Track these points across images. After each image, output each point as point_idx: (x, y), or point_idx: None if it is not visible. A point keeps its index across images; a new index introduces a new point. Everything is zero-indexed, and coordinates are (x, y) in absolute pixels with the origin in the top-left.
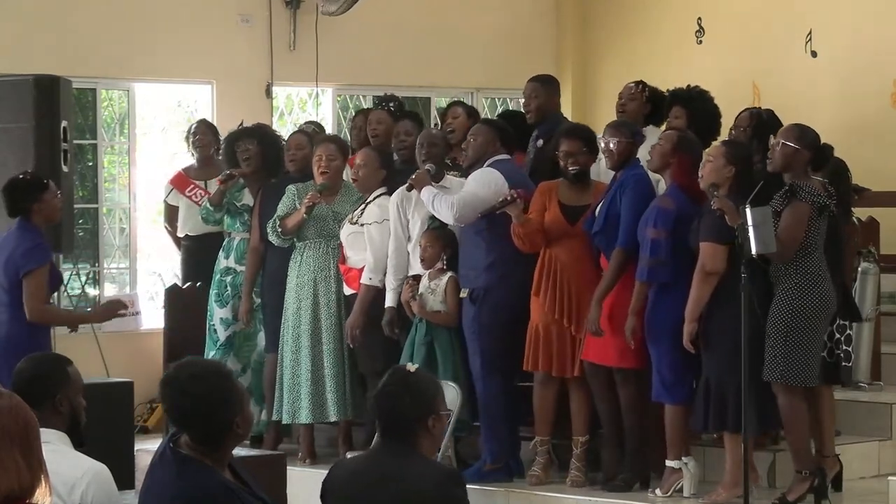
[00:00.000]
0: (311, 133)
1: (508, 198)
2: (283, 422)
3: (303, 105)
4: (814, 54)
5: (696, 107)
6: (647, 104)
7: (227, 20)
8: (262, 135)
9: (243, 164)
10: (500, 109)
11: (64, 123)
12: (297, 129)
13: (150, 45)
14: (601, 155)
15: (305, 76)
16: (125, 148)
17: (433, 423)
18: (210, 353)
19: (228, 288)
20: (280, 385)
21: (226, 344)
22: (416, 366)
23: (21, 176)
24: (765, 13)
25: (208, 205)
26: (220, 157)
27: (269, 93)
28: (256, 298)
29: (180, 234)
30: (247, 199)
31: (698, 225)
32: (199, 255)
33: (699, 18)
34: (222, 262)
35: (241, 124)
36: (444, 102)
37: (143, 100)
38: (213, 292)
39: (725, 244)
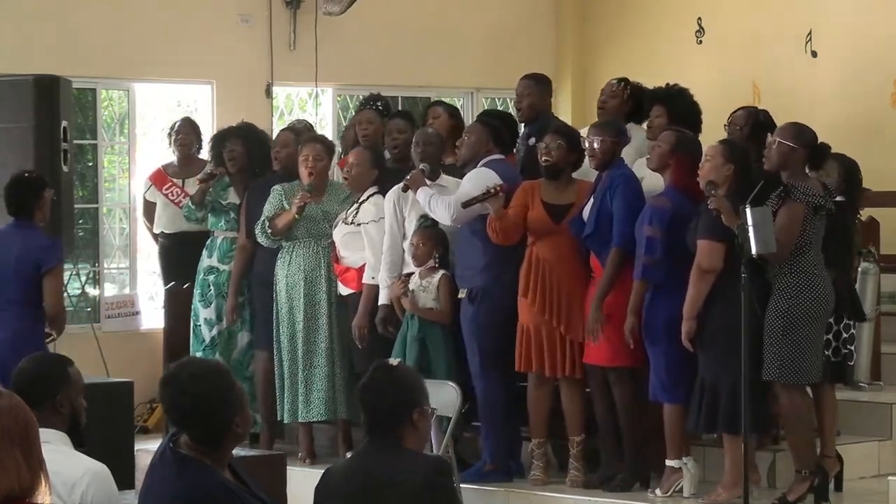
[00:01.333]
0: (300, 130)
1: (492, 190)
2: (286, 421)
3: (303, 105)
4: (814, 54)
5: (675, 104)
6: (628, 101)
7: (227, 20)
8: (247, 134)
9: (228, 164)
10: (499, 109)
11: (64, 123)
12: (285, 126)
13: (150, 45)
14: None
15: (305, 76)
16: (125, 148)
17: (417, 418)
18: (195, 354)
19: (211, 287)
20: (280, 385)
21: (210, 344)
22: (399, 360)
23: (26, 174)
24: (765, 13)
25: (190, 203)
26: (200, 157)
27: (269, 93)
28: (238, 297)
29: (156, 231)
30: (232, 197)
31: (696, 223)
32: (173, 252)
33: (699, 18)
34: (205, 261)
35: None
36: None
37: (143, 100)
38: (196, 292)
39: (722, 242)
